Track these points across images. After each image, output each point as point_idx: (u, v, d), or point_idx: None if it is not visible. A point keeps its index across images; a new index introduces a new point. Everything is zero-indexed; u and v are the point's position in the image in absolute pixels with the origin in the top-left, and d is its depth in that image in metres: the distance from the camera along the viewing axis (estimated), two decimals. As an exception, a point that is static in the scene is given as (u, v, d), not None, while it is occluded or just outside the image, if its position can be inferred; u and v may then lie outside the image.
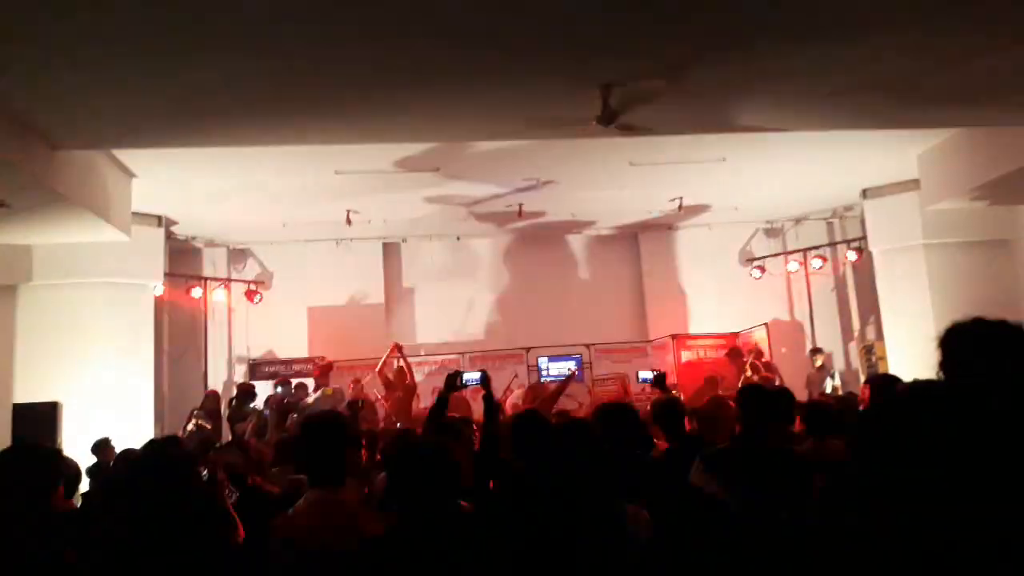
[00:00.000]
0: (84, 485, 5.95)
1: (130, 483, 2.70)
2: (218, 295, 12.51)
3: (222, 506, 3.19)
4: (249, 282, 12.82)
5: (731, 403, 4.36)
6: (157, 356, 10.81)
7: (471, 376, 5.14)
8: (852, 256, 12.44)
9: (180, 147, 7.80)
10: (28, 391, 9.22)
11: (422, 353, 12.87)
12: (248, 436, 8.55)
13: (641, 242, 14.08)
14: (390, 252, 13.63)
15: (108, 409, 9.39)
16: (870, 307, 12.36)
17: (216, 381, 12.31)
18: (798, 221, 13.47)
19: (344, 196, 10.46)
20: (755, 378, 10.47)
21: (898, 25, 5.45)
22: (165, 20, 4.87)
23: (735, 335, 12.73)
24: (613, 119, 6.45)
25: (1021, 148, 8.28)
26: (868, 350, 12.16)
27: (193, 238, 12.43)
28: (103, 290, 9.78)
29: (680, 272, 13.84)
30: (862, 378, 11.59)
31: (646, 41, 5.57)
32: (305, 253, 12.89)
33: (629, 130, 6.95)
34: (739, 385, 10.30)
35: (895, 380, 4.47)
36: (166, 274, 11.12)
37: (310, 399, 10.39)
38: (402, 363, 10.38)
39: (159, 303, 11.09)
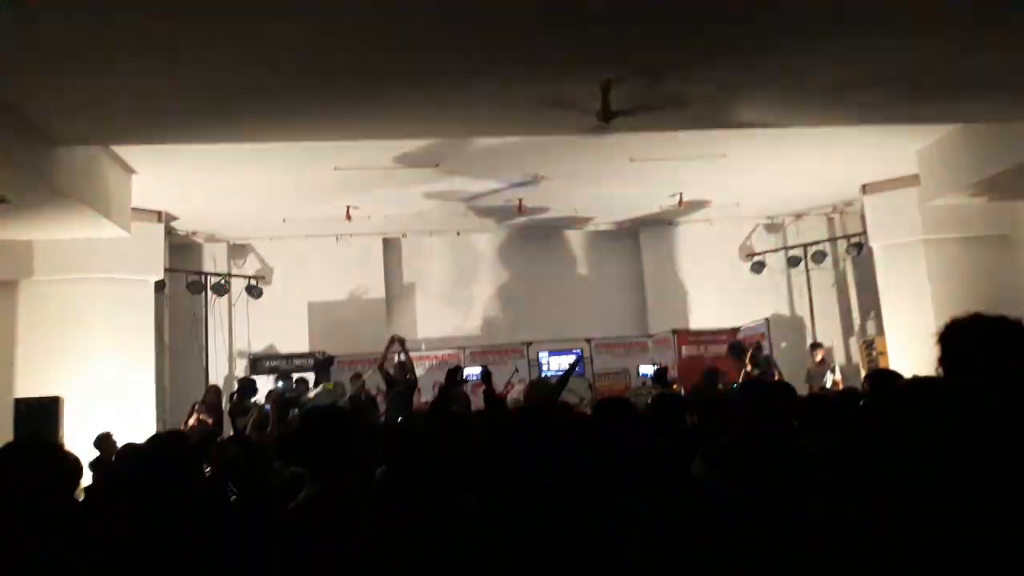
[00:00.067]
0: (86, 480, 5.96)
1: (133, 478, 2.71)
2: (219, 290, 12.51)
3: (224, 502, 3.20)
4: (250, 277, 12.83)
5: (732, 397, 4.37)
6: (158, 351, 10.82)
7: (472, 371, 5.15)
8: (852, 251, 12.44)
9: (180, 143, 7.80)
10: (30, 386, 9.23)
11: (423, 348, 12.88)
12: (249, 430, 8.56)
13: (641, 237, 14.08)
14: (390, 247, 13.64)
15: (109, 404, 9.40)
16: (870, 302, 12.38)
17: (217, 376, 12.33)
18: (798, 216, 13.47)
19: (344, 192, 10.47)
20: (755, 373, 10.48)
21: (897, 21, 5.45)
22: (165, 19, 4.88)
23: (735, 330, 12.74)
24: (613, 115, 6.44)
25: (1021, 144, 8.28)
26: (868, 345, 12.18)
27: (193, 233, 12.43)
28: (104, 285, 9.78)
29: (680, 267, 13.85)
30: (862, 373, 11.61)
31: (646, 38, 5.57)
32: (305, 248, 12.90)
33: (629, 126, 6.95)
34: (740, 380, 10.31)
35: (896, 375, 4.48)
36: (166, 269, 11.12)
37: (311, 394, 10.42)
38: (403, 357, 10.39)
39: (160, 298, 11.09)
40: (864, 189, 11.25)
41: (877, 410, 1.57)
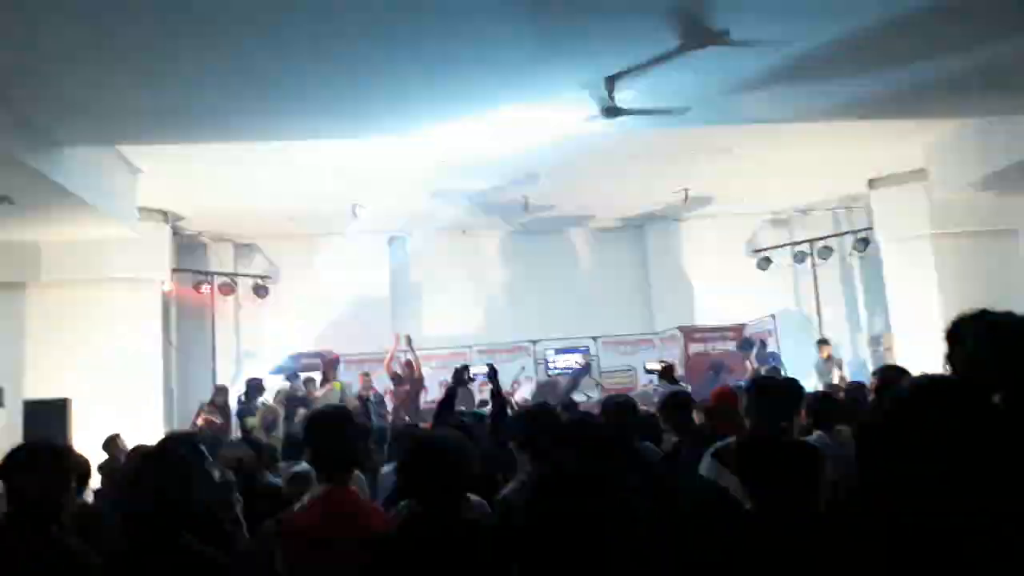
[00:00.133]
0: (95, 481, 5.99)
1: (144, 479, 2.72)
2: (225, 290, 12.54)
3: (231, 507, 3.21)
4: (256, 277, 12.85)
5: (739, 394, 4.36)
6: (165, 351, 10.85)
7: (478, 370, 5.16)
8: (859, 247, 12.39)
9: (185, 142, 7.82)
10: (38, 388, 9.27)
11: (429, 347, 12.89)
12: (256, 430, 8.59)
13: (647, 234, 14.05)
14: (396, 246, 13.64)
15: (117, 405, 9.43)
16: (877, 297, 12.32)
17: (224, 376, 12.36)
18: (804, 212, 13.43)
19: (350, 190, 10.47)
20: (762, 370, 10.48)
21: (905, 15, 5.43)
22: (167, 19, 4.89)
23: (742, 326, 12.71)
24: (617, 112, 6.43)
25: (1029, 137, 8.25)
26: (875, 340, 12.14)
27: (199, 233, 12.45)
28: (111, 286, 9.81)
29: (686, 264, 13.81)
30: (870, 368, 11.57)
31: (650, 33, 5.56)
32: (311, 248, 12.91)
33: (634, 122, 6.94)
34: (747, 376, 10.30)
35: (904, 372, 4.47)
36: (173, 270, 11.14)
37: (318, 393, 10.45)
38: (409, 356, 10.41)
39: (166, 298, 11.12)
40: (871, 184, 11.21)
41: (882, 410, 1.56)
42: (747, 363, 11.16)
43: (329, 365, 11.55)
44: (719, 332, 12.87)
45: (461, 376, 4.88)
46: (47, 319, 9.59)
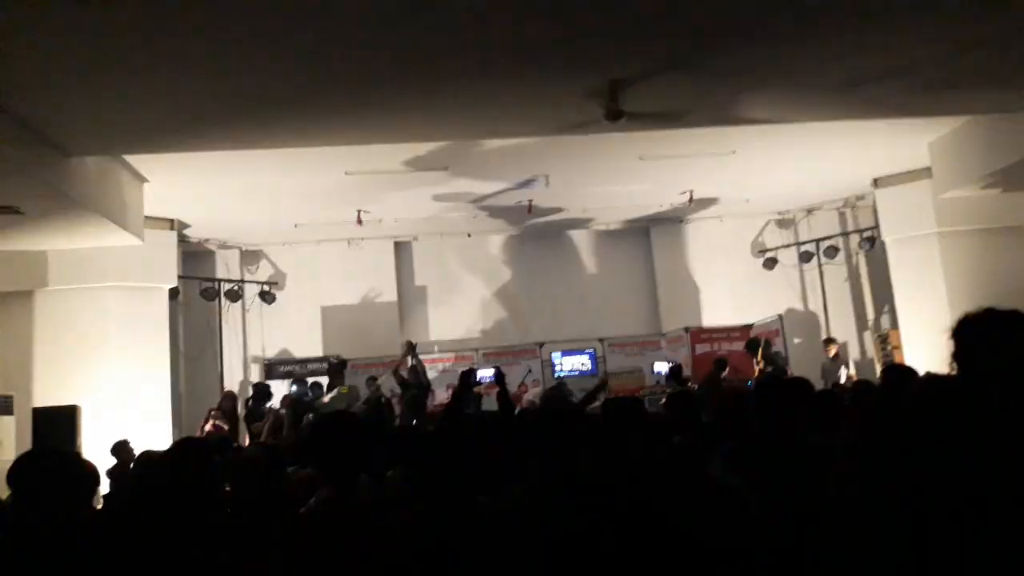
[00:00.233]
0: (104, 487, 6.01)
1: (153, 485, 2.73)
2: (232, 296, 12.58)
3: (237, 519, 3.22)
4: (262, 283, 12.88)
5: (746, 392, 4.36)
6: (173, 358, 10.88)
7: (485, 373, 5.16)
8: (865, 246, 12.37)
9: (191, 151, 7.85)
10: (47, 395, 9.31)
11: (435, 350, 12.91)
12: (264, 435, 8.61)
13: (652, 236, 14.05)
14: (402, 251, 13.67)
15: (125, 411, 9.47)
16: (884, 296, 12.30)
17: (232, 381, 12.39)
18: (810, 211, 13.41)
19: (355, 196, 10.50)
20: (768, 369, 10.46)
21: (909, 12, 5.42)
22: (175, 29, 4.91)
23: (749, 327, 12.70)
24: (621, 114, 6.44)
25: (1034, 134, 8.23)
26: (883, 339, 12.10)
27: (206, 241, 12.50)
28: (118, 294, 9.85)
29: (692, 265, 13.81)
30: (877, 367, 11.54)
31: (654, 35, 5.56)
32: (317, 253, 12.94)
33: (638, 125, 6.94)
34: (755, 376, 10.29)
35: (910, 371, 4.46)
36: (180, 277, 11.19)
37: (326, 398, 10.47)
38: (414, 362, 10.43)
39: (174, 306, 11.16)
40: (876, 183, 11.19)
41: (889, 409, 1.56)
42: (754, 363, 11.14)
43: (336, 370, 11.58)
44: (726, 332, 12.85)
45: (467, 380, 4.88)
46: (55, 327, 9.62)
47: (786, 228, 13.69)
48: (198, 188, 9.65)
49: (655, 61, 6.00)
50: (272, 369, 12.45)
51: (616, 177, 10.51)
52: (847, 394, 5.86)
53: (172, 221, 10.67)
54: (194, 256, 12.49)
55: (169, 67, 5.53)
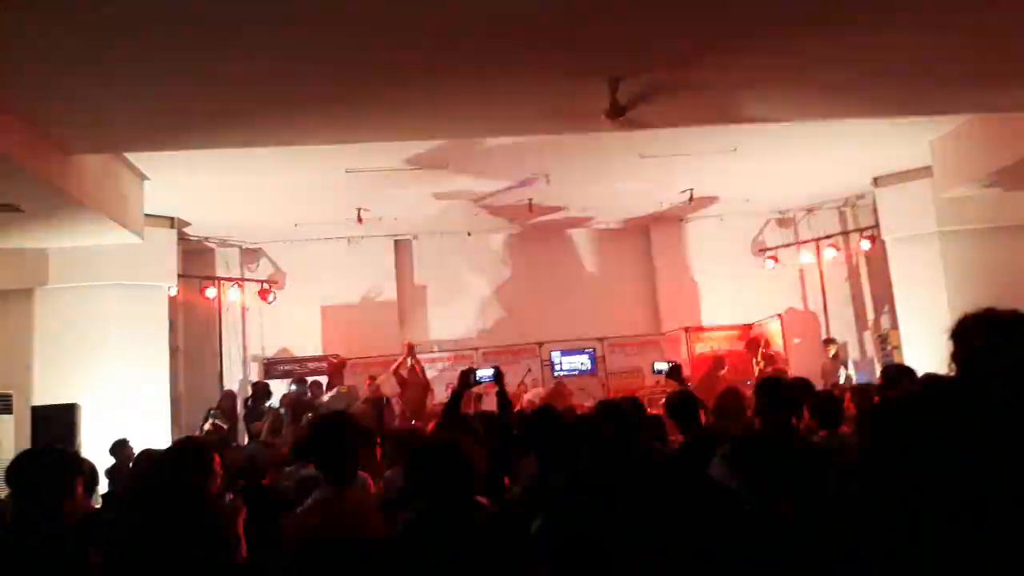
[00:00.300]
0: (103, 486, 6.01)
1: (153, 484, 2.73)
2: (232, 295, 12.58)
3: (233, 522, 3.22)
4: (262, 281, 12.88)
5: (745, 392, 4.36)
6: (172, 356, 10.88)
7: (484, 372, 5.16)
8: (865, 245, 12.36)
9: (191, 149, 7.84)
10: (46, 393, 9.31)
11: (435, 350, 12.90)
12: (264, 435, 8.61)
13: (652, 234, 14.04)
14: (402, 249, 13.67)
15: (125, 410, 9.47)
16: (884, 296, 12.29)
17: (231, 380, 12.39)
18: (810, 210, 13.40)
19: (355, 194, 10.49)
20: (769, 370, 10.46)
21: (910, 9, 5.41)
22: (175, 27, 4.90)
23: (749, 326, 12.69)
24: (622, 113, 6.43)
25: (1035, 134, 8.22)
26: (883, 339, 12.10)
27: (206, 239, 12.50)
28: (118, 292, 9.85)
29: (692, 264, 13.81)
30: (877, 368, 11.54)
31: (654, 33, 5.55)
32: (317, 252, 12.94)
33: (638, 123, 6.94)
34: (755, 377, 10.30)
35: (910, 371, 4.46)
36: (180, 275, 11.18)
37: (325, 397, 10.47)
38: (411, 362, 10.44)
39: (173, 304, 11.16)
40: (876, 182, 11.18)
41: (888, 409, 1.56)
42: (754, 363, 11.15)
43: (335, 369, 11.58)
44: (725, 332, 12.85)
45: (467, 379, 4.88)
46: (55, 325, 9.62)
47: (786, 227, 13.68)
48: (198, 186, 9.64)
49: (656, 59, 5.99)
50: (271, 368, 12.45)
51: (616, 176, 10.50)
52: (847, 394, 5.87)
53: (172, 219, 10.66)
54: (194, 254, 12.48)
55: (171, 65, 5.52)
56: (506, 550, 2.59)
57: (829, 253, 12.81)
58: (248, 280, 12.91)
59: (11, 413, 8.93)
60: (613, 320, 13.32)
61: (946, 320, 2.23)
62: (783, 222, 13.67)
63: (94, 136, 7.08)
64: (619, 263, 14.09)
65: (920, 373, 3.89)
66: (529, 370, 12.26)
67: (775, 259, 13.14)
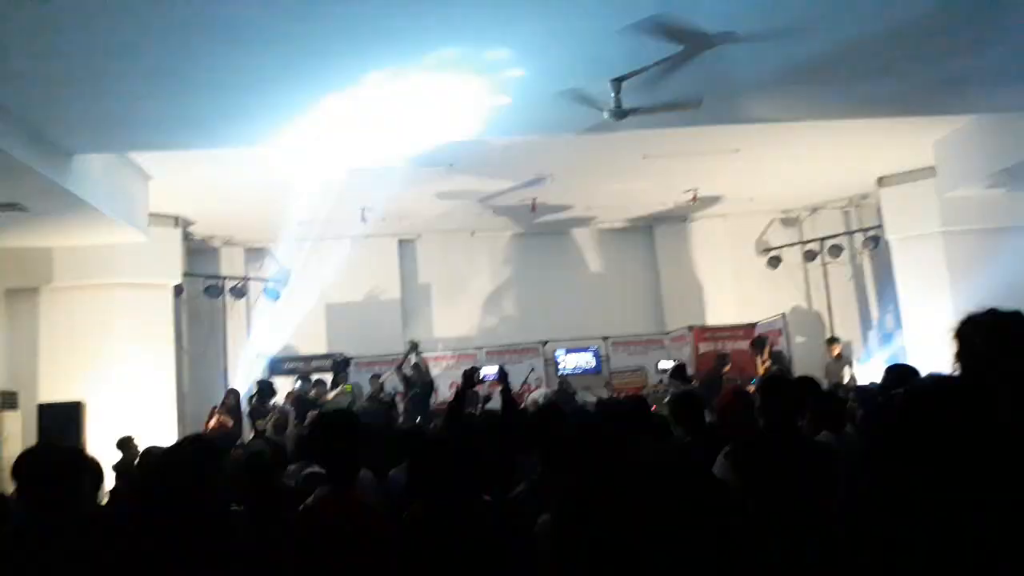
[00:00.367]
0: (108, 483, 6.02)
1: (158, 482, 2.74)
2: (236, 293, 12.59)
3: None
4: (267, 280, 12.89)
5: (749, 392, 4.36)
6: (177, 354, 10.91)
7: (489, 370, 5.17)
8: (869, 245, 12.34)
9: (194, 148, 7.86)
10: (52, 391, 9.35)
11: (439, 348, 12.90)
12: (269, 432, 8.63)
13: (656, 234, 14.04)
14: (406, 248, 13.67)
15: (130, 407, 9.50)
16: (888, 296, 12.27)
17: (236, 378, 12.40)
18: (814, 210, 13.37)
19: (359, 194, 10.49)
20: (773, 368, 10.46)
21: (914, 10, 5.41)
22: (178, 28, 4.92)
23: (753, 326, 12.68)
24: (625, 113, 6.43)
25: (1039, 134, 8.21)
26: (886, 339, 12.08)
27: (210, 238, 12.52)
28: (123, 291, 9.88)
29: (696, 263, 13.79)
30: (880, 367, 11.51)
31: (655, 34, 5.56)
32: (321, 251, 12.93)
33: (642, 123, 6.93)
34: (759, 375, 10.28)
35: (913, 371, 4.46)
36: (184, 274, 11.20)
37: (329, 395, 10.48)
38: (415, 360, 10.45)
39: (178, 303, 11.18)
40: (880, 182, 11.17)
41: (891, 409, 1.57)
42: (759, 361, 11.14)
43: (339, 368, 11.59)
44: (730, 331, 12.83)
45: (470, 378, 4.89)
46: (60, 324, 9.66)
47: (790, 227, 13.65)
48: (203, 185, 9.66)
49: (659, 59, 5.99)
50: (276, 366, 12.46)
51: (620, 175, 10.50)
52: (850, 394, 5.87)
53: (177, 218, 10.69)
54: (198, 253, 12.50)
55: (173, 66, 5.54)
56: (511, 547, 2.60)
57: (833, 253, 12.78)
58: (253, 279, 12.92)
59: (17, 410, 8.96)
60: (617, 319, 13.32)
61: (949, 320, 2.23)
62: (787, 221, 13.64)
63: (98, 136, 7.11)
64: (623, 262, 14.08)
65: (923, 373, 3.89)
66: (533, 369, 12.27)
67: (779, 258, 13.12)
